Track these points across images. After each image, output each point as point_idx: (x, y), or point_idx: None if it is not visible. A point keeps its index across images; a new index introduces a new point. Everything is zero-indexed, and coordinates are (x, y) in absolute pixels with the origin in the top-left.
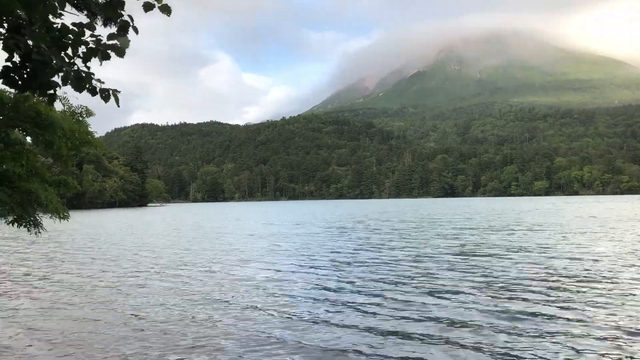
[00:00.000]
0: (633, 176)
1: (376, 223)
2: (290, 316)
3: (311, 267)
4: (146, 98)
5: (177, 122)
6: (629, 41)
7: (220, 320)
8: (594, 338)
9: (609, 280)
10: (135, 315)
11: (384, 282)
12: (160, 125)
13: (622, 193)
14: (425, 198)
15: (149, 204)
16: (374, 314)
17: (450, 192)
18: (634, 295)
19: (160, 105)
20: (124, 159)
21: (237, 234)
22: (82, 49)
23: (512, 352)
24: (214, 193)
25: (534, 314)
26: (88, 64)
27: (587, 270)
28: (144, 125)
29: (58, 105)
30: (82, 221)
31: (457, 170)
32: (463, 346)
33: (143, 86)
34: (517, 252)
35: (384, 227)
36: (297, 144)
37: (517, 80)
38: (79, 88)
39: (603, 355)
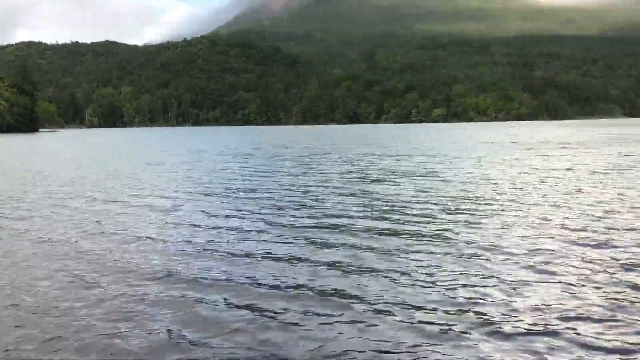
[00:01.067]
0: (522, 104)
1: (277, 150)
2: (166, 243)
3: (203, 195)
4: (31, 13)
5: (69, 41)
6: None
7: (92, 250)
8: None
9: (490, 204)
10: None
11: (272, 208)
12: (49, 44)
13: (512, 119)
14: (331, 125)
15: (41, 129)
16: (253, 239)
17: (355, 119)
18: (520, 217)
19: (48, 22)
20: (9, 80)
21: (133, 162)
22: None
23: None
24: (112, 118)
25: (417, 237)
26: None
27: (474, 193)
28: (30, 44)
29: None
30: None
31: (362, 98)
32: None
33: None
34: (408, 177)
35: (285, 154)
36: (201, 67)
37: (421, 8)
38: None
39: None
